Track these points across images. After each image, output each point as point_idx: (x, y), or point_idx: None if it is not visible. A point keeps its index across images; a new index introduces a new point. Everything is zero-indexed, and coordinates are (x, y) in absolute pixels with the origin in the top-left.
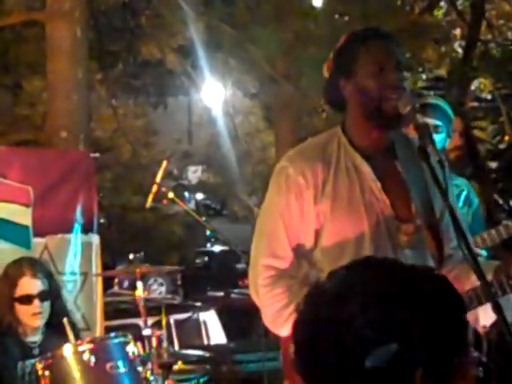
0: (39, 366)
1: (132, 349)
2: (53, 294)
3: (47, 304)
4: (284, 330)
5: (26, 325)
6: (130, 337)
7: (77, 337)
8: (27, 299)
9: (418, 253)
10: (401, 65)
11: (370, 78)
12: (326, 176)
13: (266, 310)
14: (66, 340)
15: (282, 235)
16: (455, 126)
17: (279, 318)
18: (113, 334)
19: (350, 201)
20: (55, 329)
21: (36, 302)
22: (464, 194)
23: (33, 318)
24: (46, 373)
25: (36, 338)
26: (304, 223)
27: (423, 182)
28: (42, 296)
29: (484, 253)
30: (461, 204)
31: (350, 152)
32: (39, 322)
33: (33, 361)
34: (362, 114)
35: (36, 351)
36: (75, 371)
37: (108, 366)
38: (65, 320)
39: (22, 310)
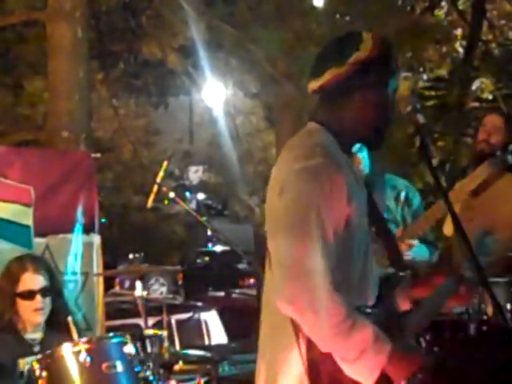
0: (36, 367)
1: (130, 349)
2: (54, 290)
3: (48, 300)
4: (342, 345)
5: (27, 321)
6: (127, 337)
7: (79, 336)
8: (29, 295)
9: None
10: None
11: (388, 106)
12: (349, 176)
13: (330, 320)
14: (67, 338)
15: (331, 235)
16: (495, 123)
17: (342, 332)
18: (110, 334)
19: (362, 206)
20: (56, 326)
21: (38, 297)
22: (403, 194)
23: (34, 313)
24: (44, 373)
25: (36, 335)
26: (340, 224)
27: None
28: (44, 292)
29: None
30: (400, 205)
31: (343, 154)
32: (40, 317)
33: (33, 358)
34: (367, 126)
35: (36, 348)
36: (72, 371)
37: (104, 366)
38: (69, 318)
39: (23, 306)
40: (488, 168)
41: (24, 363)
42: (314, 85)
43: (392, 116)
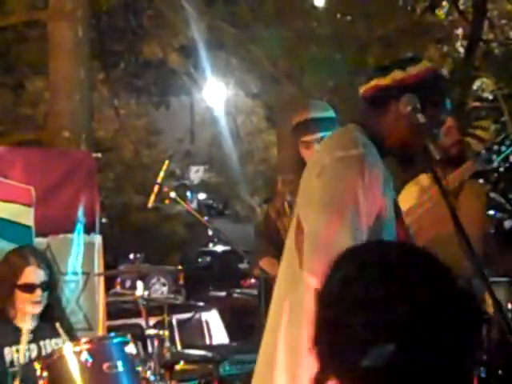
0: (38, 367)
1: (131, 349)
2: (52, 285)
3: (46, 294)
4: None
5: (22, 311)
6: (129, 337)
7: (73, 337)
8: (30, 288)
9: None
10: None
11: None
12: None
13: None
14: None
15: (364, 221)
16: (449, 123)
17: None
18: (111, 334)
19: (391, 206)
20: (48, 318)
21: (38, 291)
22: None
23: (32, 305)
24: (45, 373)
25: (29, 325)
26: (373, 213)
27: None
28: (44, 286)
29: None
30: None
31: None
32: (37, 310)
33: (25, 346)
34: (398, 137)
35: (30, 337)
36: (73, 371)
37: (105, 365)
38: (57, 325)
39: (22, 298)
40: (473, 167)
41: (13, 351)
42: (360, 90)
43: (424, 140)
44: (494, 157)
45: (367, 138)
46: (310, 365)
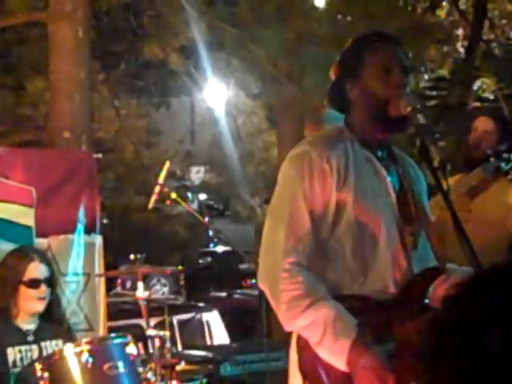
0: (38, 367)
1: (132, 349)
2: (53, 282)
3: (49, 291)
4: (296, 321)
5: (25, 310)
6: (129, 337)
7: (73, 338)
8: (35, 283)
9: (423, 254)
10: (407, 69)
11: (376, 80)
12: (347, 166)
13: (283, 294)
14: (59, 330)
15: (305, 219)
16: (487, 127)
17: (295, 308)
18: (112, 335)
19: (370, 194)
20: (49, 318)
21: (43, 286)
22: None
23: (37, 302)
24: (45, 374)
25: (31, 325)
26: (324, 209)
27: (417, 187)
28: (47, 282)
29: None
30: None
31: (363, 151)
32: (42, 307)
33: (26, 347)
34: (368, 117)
35: (31, 338)
36: (74, 372)
37: (106, 366)
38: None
39: (27, 294)
40: (481, 174)
41: (16, 352)
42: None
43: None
44: (503, 164)
45: (349, 133)
46: None
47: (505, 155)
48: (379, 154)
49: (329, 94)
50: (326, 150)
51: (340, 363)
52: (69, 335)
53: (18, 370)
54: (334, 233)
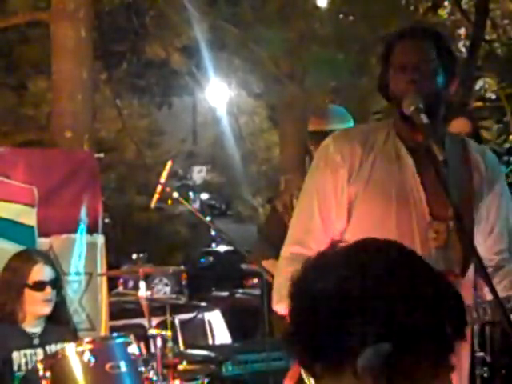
0: (40, 367)
1: (134, 349)
2: (59, 284)
3: (54, 293)
4: (275, 307)
5: (31, 313)
6: (131, 337)
7: (75, 338)
8: (40, 285)
9: (445, 255)
10: (426, 63)
11: (394, 79)
12: (365, 159)
13: (275, 279)
14: (66, 333)
15: (315, 211)
16: (461, 128)
17: (275, 295)
18: (114, 335)
19: (384, 187)
20: (55, 321)
21: (48, 288)
22: None
23: (43, 304)
24: (47, 373)
25: (37, 328)
26: (337, 201)
27: (468, 186)
28: (53, 284)
29: None
30: None
31: (396, 142)
32: (48, 309)
33: (32, 351)
34: (398, 114)
35: (36, 341)
36: (76, 371)
37: (108, 366)
38: None
39: (33, 297)
40: None
41: (21, 356)
42: None
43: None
44: (503, 167)
45: (391, 128)
46: None
47: (504, 158)
48: (446, 145)
49: (379, 89)
50: (344, 143)
51: None
52: (75, 337)
53: (22, 373)
54: (349, 225)
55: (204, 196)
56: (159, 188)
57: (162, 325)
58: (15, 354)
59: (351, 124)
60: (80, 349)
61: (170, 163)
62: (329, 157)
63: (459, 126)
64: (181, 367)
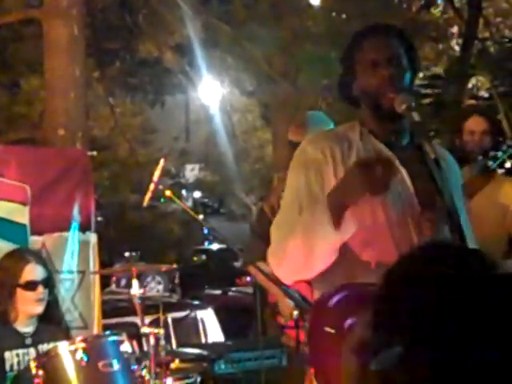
0: (33, 366)
1: (126, 347)
2: (51, 283)
3: (47, 292)
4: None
5: (23, 313)
6: (124, 335)
7: (68, 337)
8: (32, 285)
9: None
10: (397, 58)
11: (365, 76)
12: (346, 155)
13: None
14: (58, 332)
15: (295, 212)
16: (476, 126)
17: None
18: (106, 333)
19: None
20: (48, 320)
21: (40, 288)
22: None
23: (35, 304)
24: (40, 372)
25: (29, 328)
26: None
27: (449, 177)
28: (45, 283)
29: None
30: None
31: (372, 140)
32: (40, 308)
33: (24, 351)
34: (371, 111)
35: (28, 341)
36: (68, 370)
37: (101, 364)
38: None
39: (25, 297)
40: (468, 174)
41: (14, 355)
42: None
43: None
44: (491, 163)
45: (360, 128)
46: None
47: (491, 153)
48: (404, 142)
49: (339, 91)
50: (322, 142)
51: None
52: (67, 336)
53: (14, 373)
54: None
55: (197, 194)
56: (152, 186)
57: (154, 323)
58: (7, 354)
59: (330, 125)
60: (73, 347)
61: (162, 161)
62: (308, 158)
63: (474, 124)
64: (173, 365)
